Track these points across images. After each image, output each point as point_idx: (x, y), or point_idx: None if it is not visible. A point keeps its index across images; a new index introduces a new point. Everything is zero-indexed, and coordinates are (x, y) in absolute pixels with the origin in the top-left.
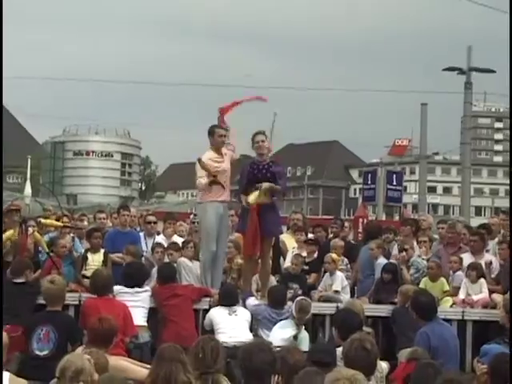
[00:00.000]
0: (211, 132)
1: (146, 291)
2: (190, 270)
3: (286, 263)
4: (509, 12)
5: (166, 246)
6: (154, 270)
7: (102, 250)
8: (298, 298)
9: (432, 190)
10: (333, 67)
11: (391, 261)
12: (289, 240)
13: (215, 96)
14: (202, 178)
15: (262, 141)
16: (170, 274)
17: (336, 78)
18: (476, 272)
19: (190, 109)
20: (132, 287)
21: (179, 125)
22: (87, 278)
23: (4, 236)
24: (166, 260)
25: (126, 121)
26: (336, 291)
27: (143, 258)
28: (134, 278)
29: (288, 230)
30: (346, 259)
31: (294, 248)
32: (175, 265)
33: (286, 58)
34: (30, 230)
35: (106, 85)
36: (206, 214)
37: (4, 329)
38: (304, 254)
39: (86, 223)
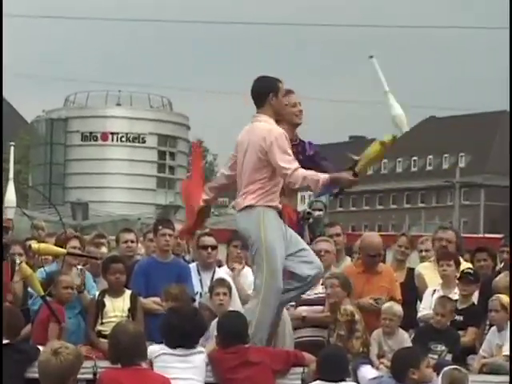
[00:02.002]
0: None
1: (199, 354)
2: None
3: (424, 310)
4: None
5: (231, 283)
6: (214, 324)
7: (128, 292)
8: (447, 368)
9: None
10: None
11: None
12: (430, 273)
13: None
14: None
15: (300, 103)
16: (238, 329)
17: None
18: None
19: (266, 62)
20: (178, 348)
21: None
22: (105, 336)
23: None
24: (234, 307)
25: (166, 84)
26: (509, 356)
27: (196, 305)
28: (181, 333)
29: (422, 255)
30: None
31: (437, 286)
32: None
33: None
34: (17, 260)
35: (132, 25)
36: (269, 225)
37: None
38: (456, 296)
39: (104, 249)
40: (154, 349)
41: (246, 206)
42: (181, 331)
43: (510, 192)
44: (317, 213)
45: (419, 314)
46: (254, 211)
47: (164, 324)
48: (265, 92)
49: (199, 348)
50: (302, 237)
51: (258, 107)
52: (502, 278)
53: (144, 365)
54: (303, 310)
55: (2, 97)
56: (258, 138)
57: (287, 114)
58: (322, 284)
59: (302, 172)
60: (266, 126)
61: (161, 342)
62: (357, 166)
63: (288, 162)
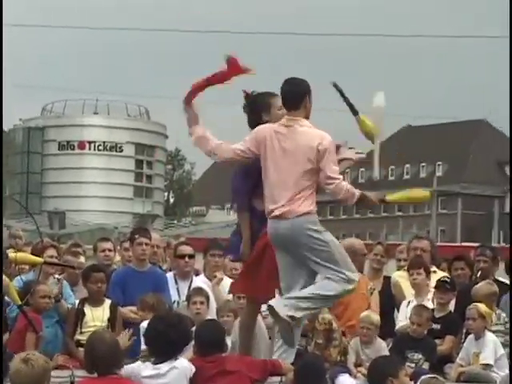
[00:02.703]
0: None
1: (175, 369)
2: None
3: (401, 322)
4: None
5: (209, 292)
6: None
7: (108, 302)
8: (425, 377)
9: None
10: None
11: None
12: (406, 281)
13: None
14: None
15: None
16: (216, 338)
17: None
18: None
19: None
20: (160, 356)
21: (226, 96)
22: (83, 345)
23: None
24: (211, 316)
25: (142, 92)
26: (486, 365)
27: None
28: (166, 341)
29: (400, 264)
30: (503, 313)
31: (412, 297)
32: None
33: None
34: None
35: (112, 34)
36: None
37: None
38: (428, 303)
39: (81, 259)
40: (133, 367)
41: (304, 213)
42: (165, 339)
43: (510, 193)
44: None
45: (397, 327)
46: (313, 217)
47: (148, 331)
48: (303, 94)
49: (181, 359)
50: None
51: (292, 109)
52: (482, 287)
53: (119, 375)
54: None
55: (2, 101)
56: (309, 144)
57: (276, 118)
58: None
59: (346, 184)
60: (317, 132)
61: (136, 356)
62: (388, 196)
63: (336, 173)
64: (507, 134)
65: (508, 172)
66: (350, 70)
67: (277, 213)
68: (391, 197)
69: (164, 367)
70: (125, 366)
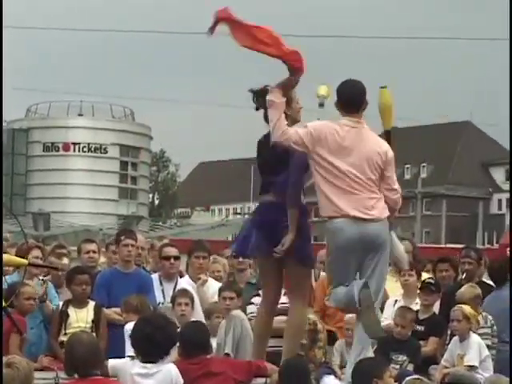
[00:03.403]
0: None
1: (167, 371)
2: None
3: (386, 320)
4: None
5: (194, 293)
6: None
7: (92, 304)
8: (409, 378)
9: None
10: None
11: None
12: (390, 284)
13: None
14: None
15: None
16: (200, 340)
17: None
18: None
19: (229, 70)
20: (146, 357)
21: (212, 96)
22: None
23: None
24: (196, 318)
25: (128, 94)
26: (471, 366)
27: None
28: (152, 343)
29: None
30: (489, 316)
31: (398, 296)
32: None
33: None
34: None
35: (97, 35)
36: None
37: None
38: (417, 306)
39: (65, 260)
40: (117, 363)
41: (384, 218)
42: (152, 341)
43: (510, 195)
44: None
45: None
46: (387, 224)
47: (135, 333)
48: (364, 96)
49: (165, 367)
50: None
51: (354, 112)
52: (467, 289)
53: (101, 377)
54: None
55: (2, 105)
56: (378, 150)
57: (295, 111)
58: (284, 294)
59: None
60: (379, 138)
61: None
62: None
63: (396, 183)
64: (492, 135)
65: (492, 173)
66: (333, 71)
67: (363, 216)
68: (386, 126)
69: (153, 368)
70: (114, 361)
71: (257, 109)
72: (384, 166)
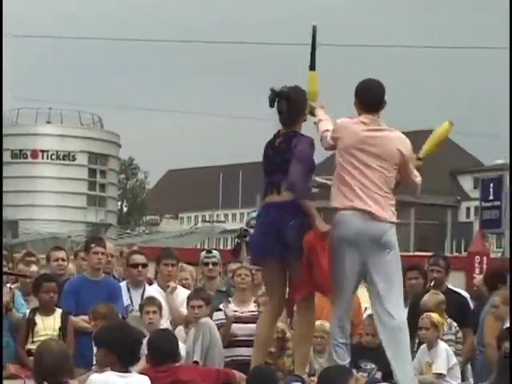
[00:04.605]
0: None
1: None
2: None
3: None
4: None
5: (163, 301)
6: (144, 342)
7: (59, 311)
8: None
9: None
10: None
11: None
12: (361, 292)
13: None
14: None
15: None
16: (169, 348)
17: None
18: None
19: (196, 79)
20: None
21: (181, 104)
22: None
23: None
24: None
25: (96, 102)
26: (439, 374)
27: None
28: (118, 351)
29: None
30: (454, 323)
31: (368, 304)
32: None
33: None
34: None
35: (64, 42)
36: None
37: None
38: None
39: (34, 268)
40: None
41: (393, 222)
42: (116, 350)
43: (510, 198)
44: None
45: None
46: (394, 229)
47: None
48: (383, 96)
49: (132, 375)
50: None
51: (374, 112)
52: (430, 297)
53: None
54: (236, 328)
55: (2, 101)
56: (399, 147)
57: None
58: (254, 302)
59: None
60: (400, 135)
61: (89, 365)
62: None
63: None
64: (459, 143)
65: (460, 182)
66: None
67: (367, 211)
68: (423, 153)
69: (127, 376)
70: (95, 376)
71: (271, 106)
72: (401, 162)
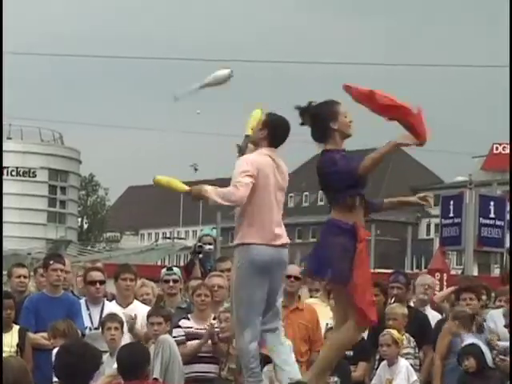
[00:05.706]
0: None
1: None
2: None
3: None
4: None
5: (124, 317)
6: (105, 359)
7: (17, 328)
8: None
9: None
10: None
11: (474, 341)
12: (320, 308)
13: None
14: None
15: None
16: (137, 362)
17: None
18: None
19: (159, 93)
20: None
21: (142, 121)
22: None
23: None
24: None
25: (56, 118)
26: None
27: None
28: (73, 371)
29: (315, 291)
30: (412, 338)
31: (329, 320)
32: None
33: None
34: None
35: (25, 59)
36: None
37: None
38: None
39: None
40: None
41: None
42: (73, 370)
43: (510, 201)
44: (207, 247)
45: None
46: None
47: (56, 363)
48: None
49: None
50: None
51: (275, 147)
52: (398, 306)
53: None
54: (195, 344)
55: (2, 97)
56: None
57: (343, 125)
58: (214, 318)
59: None
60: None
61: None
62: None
63: None
64: (420, 160)
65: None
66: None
67: (284, 241)
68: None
69: None
70: None
71: (302, 124)
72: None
